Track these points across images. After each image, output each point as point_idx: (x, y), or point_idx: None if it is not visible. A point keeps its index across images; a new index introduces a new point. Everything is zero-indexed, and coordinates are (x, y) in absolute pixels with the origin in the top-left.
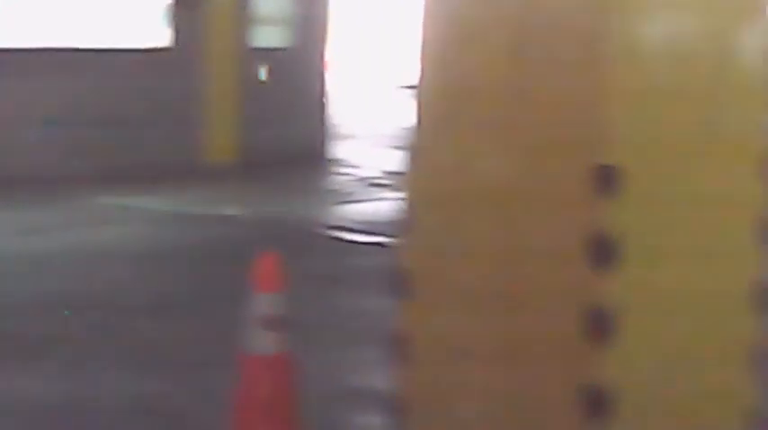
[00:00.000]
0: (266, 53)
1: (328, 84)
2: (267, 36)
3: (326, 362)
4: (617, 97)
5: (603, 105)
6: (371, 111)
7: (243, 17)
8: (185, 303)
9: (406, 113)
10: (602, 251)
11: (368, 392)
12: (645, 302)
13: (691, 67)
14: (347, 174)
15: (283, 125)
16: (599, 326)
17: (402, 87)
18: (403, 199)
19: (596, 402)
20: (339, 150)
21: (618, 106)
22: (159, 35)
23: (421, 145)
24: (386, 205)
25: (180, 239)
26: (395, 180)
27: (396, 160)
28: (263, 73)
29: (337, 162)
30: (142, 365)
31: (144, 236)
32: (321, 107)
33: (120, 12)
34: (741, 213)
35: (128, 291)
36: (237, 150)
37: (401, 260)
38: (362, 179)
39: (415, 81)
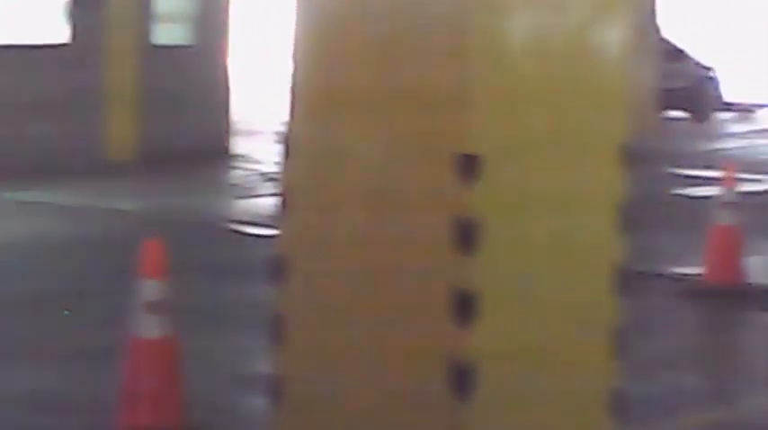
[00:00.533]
0: (168, 50)
1: (230, 80)
2: (168, 33)
3: (215, 348)
4: (480, 90)
5: (467, 98)
6: (273, 107)
7: (143, 14)
8: (74, 294)
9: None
10: (465, 235)
11: (253, 376)
12: (505, 285)
13: (553, 62)
14: (248, 170)
15: (186, 122)
16: (463, 306)
17: None
18: (280, 188)
19: (462, 377)
20: (241, 146)
21: (481, 99)
22: (58, 31)
23: (295, 137)
24: None
25: (75, 233)
26: None
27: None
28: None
29: (239, 158)
30: (28, 357)
31: (39, 229)
32: (223, 103)
33: (19, 7)
34: (600, 201)
35: (16, 284)
36: (140, 146)
37: (278, 246)
38: (263, 174)
39: (290, 75)
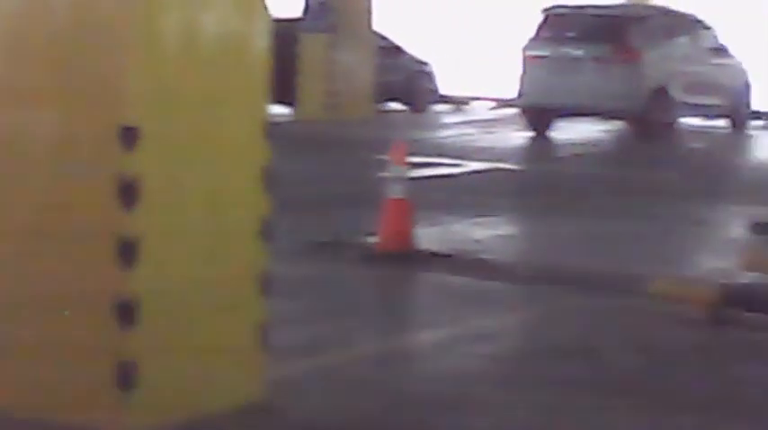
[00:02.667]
0: None
1: None
2: None
3: None
4: (137, 74)
5: (126, 79)
6: None
7: None
8: None
9: None
10: (126, 192)
11: None
12: (162, 233)
13: (201, 52)
14: None
15: None
16: (125, 252)
17: None
18: None
19: (126, 312)
20: None
21: (137, 80)
22: None
23: None
24: None
25: None
26: None
27: None
28: None
29: None
30: None
31: None
32: None
33: None
34: (246, 166)
35: None
36: None
37: None
38: None
39: None
